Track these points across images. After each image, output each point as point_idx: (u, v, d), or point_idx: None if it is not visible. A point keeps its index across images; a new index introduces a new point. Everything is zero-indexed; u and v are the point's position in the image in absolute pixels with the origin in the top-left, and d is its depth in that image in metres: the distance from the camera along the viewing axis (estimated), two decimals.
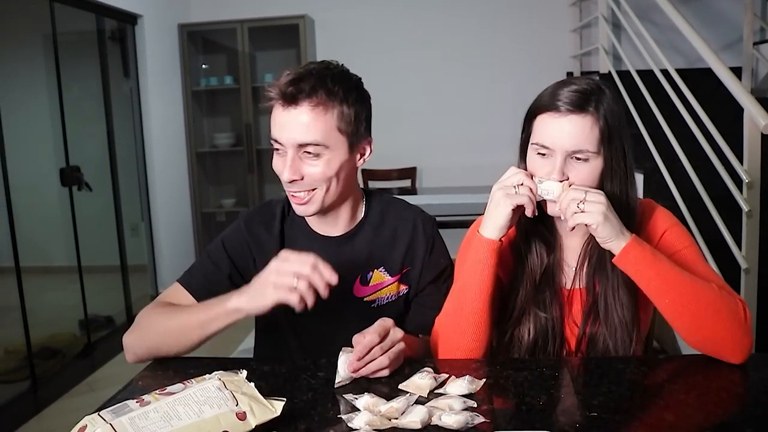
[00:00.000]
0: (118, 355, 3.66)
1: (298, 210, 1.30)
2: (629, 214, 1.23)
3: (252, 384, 1.00)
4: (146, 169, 4.51)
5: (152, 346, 1.25)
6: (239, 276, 1.35)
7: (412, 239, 1.40)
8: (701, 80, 3.08)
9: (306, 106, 1.21)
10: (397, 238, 1.40)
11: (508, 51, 4.95)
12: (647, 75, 3.46)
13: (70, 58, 3.73)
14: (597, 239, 1.17)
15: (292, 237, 1.38)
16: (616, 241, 1.15)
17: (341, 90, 1.23)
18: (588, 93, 1.19)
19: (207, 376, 1.01)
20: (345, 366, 1.11)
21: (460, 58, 5.00)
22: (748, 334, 1.14)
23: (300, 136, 1.22)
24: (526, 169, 1.24)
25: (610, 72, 4.10)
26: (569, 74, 4.86)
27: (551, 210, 1.21)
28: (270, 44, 5.14)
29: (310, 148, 1.23)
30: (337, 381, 1.11)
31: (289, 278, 1.09)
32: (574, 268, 1.32)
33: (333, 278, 1.10)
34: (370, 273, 1.38)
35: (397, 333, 1.16)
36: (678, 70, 3.11)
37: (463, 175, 4.88)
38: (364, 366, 1.11)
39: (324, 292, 1.10)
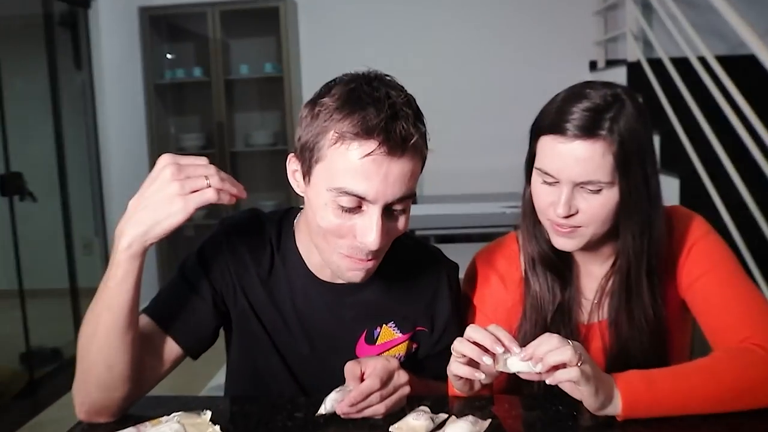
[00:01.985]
0: (68, 394, 3.62)
1: (354, 276, 1.19)
2: (653, 249, 1.23)
3: (217, 427, 1.00)
4: (101, 176, 4.49)
5: (82, 379, 1.15)
6: (222, 302, 1.28)
7: (434, 299, 1.36)
8: (745, 69, 3.07)
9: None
10: (415, 291, 1.35)
11: (523, 38, 4.97)
12: (682, 63, 3.47)
13: (12, 46, 3.73)
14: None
15: (285, 276, 1.30)
16: (609, 408, 1.08)
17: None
18: (601, 110, 1.15)
19: (164, 418, 1.01)
20: (334, 403, 1.11)
21: (467, 48, 5.02)
22: None
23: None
24: (530, 196, 1.25)
25: (639, 60, 4.11)
26: (592, 63, 4.88)
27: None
28: (245, 31, 5.17)
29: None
30: (319, 412, 1.11)
31: (197, 179, 1.05)
32: (592, 301, 1.32)
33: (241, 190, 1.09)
34: (378, 329, 1.33)
35: (402, 377, 1.15)
36: (718, 58, 3.11)
37: (472, 182, 4.88)
38: (355, 412, 1.10)
39: (242, 193, 1.09)
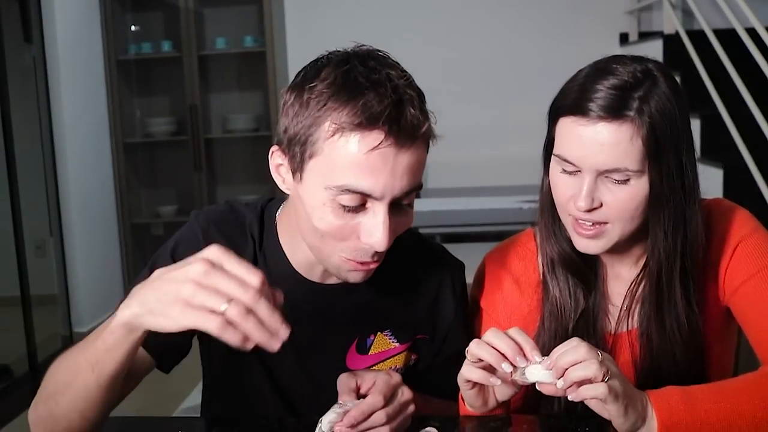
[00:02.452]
0: (18, 417, 3.65)
1: (356, 277, 1.20)
2: (688, 249, 1.24)
3: None
4: (56, 168, 4.50)
5: (51, 417, 1.15)
6: None
7: (436, 301, 1.37)
8: None
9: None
10: (416, 294, 1.37)
11: (543, 9, 4.99)
12: (728, 36, 3.47)
13: None
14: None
15: (267, 275, 1.29)
16: (644, 428, 1.09)
17: None
18: (630, 88, 1.15)
19: None
20: (330, 425, 1.11)
21: (477, 20, 5.03)
22: None
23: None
24: (549, 187, 1.26)
25: (677, 32, 4.12)
26: (623, 36, 4.89)
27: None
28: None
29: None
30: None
31: (215, 297, 0.91)
32: (620, 308, 1.33)
33: (283, 329, 0.94)
34: (371, 337, 1.34)
35: (407, 394, 1.16)
36: None
37: (482, 173, 4.88)
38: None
39: (280, 335, 0.94)
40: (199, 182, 5.07)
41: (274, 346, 0.93)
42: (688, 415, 1.09)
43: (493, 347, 1.08)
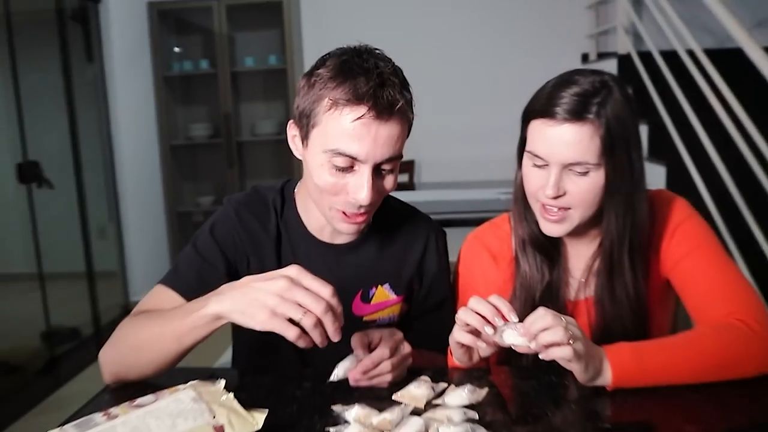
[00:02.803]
0: (86, 369, 3.67)
1: (346, 229, 1.25)
2: (636, 229, 1.25)
3: (231, 394, 1.01)
4: (114, 165, 4.51)
5: (127, 364, 1.19)
6: (236, 272, 1.32)
7: (423, 255, 1.41)
8: (731, 62, 3.06)
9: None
10: (407, 252, 1.40)
11: (517, 31, 4.97)
12: (671, 56, 3.46)
13: (27, 41, 3.71)
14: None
15: (288, 239, 1.36)
16: (599, 379, 1.10)
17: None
18: (589, 95, 1.17)
19: (181, 386, 1.02)
20: (345, 371, 1.14)
21: (463, 40, 5.02)
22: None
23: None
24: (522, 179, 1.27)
25: (629, 53, 4.11)
26: (584, 56, 4.88)
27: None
28: (250, 24, 5.15)
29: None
30: (330, 379, 1.14)
31: (294, 309, 0.98)
32: (579, 278, 1.34)
33: (336, 336, 1.01)
34: (374, 289, 1.38)
35: (406, 347, 1.18)
36: (705, 51, 3.10)
37: (466, 169, 4.89)
38: (366, 379, 1.13)
39: (335, 337, 1.00)
40: (232, 177, 5.06)
41: (324, 344, 1.00)
42: (636, 366, 1.10)
43: (476, 312, 1.10)
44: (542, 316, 1.06)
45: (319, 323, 0.99)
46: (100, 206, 4.45)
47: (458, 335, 1.15)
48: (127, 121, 4.59)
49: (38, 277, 3.67)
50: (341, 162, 1.16)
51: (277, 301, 0.99)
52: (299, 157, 1.27)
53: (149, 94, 4.98)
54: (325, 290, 1.00)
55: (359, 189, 1.18)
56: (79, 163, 4.17)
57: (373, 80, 1.14)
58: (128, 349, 1.19)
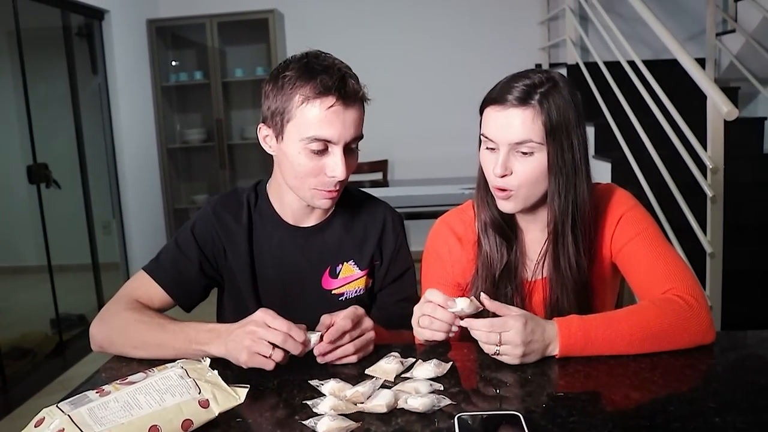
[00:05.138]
0: (91, 353, 3.60)
1: (325, 203, 1.30)
2: (578, 209, 1.24)
3: (215, 371, 1.00)
4: (116, 166, 4.44)
5: (117, 344, 1.22)
6: (210, 265, 1.36)
7: (382, 235, 1.42)
8: (667, 71, 3.11)
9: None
10: (367, 232, 1.42)
11: (478, 43, 4.96)
12: (614, 66, 3.49)
13: (36, 55, 3.65)
14: None
15: (263, 227, 1.38)
16: (549, 350, 1.11)
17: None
18: (535, 86, 1.17)
19: (169, 364, 1.00)
20: (313, 342, 1.11)
21: (429, 51, 5.00)
22: (704, 324, 1.13)
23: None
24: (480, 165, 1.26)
25: (577, 63, 4.12)
26: (537, 65, 4.88)
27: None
28: (240, 39, 5.09)
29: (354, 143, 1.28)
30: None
31: (264, 347, 1.05)
32: (535, 260, 1.32)
33: (305, 340, 1.07)
34: (340, 266, 1.39)
35: (368, 322, 1.16)
36: (644, 61, 3.15)
37: (434, 167, 4.88)
38: (331, 351, 1.11)
39: (300, 353, 1.07)
40: (224, 177, 5.00)
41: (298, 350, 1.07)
42: (582, 337, 1.10)
43: (431, 301, 1.13)
44: (486, 332, 1.08)
45: (284, 351, 1.05)
46: (104, 204, 4.39)
47: (419, 335, 1.16)
48: (129, 127, 4.51)
49: (48, 269, 3.62)
50: (317, 146, 1.21)
51: (249, 341, 1.06)
52: (272, 153, 1.32)
53: (148, 102, 4.91)
54: (282, 324, 1.06)
55: (335, 167, 1.23)
56: (85, 165, 4.13)
57: (336, 75, 1.20)
58: (121, 337, 1.21)
